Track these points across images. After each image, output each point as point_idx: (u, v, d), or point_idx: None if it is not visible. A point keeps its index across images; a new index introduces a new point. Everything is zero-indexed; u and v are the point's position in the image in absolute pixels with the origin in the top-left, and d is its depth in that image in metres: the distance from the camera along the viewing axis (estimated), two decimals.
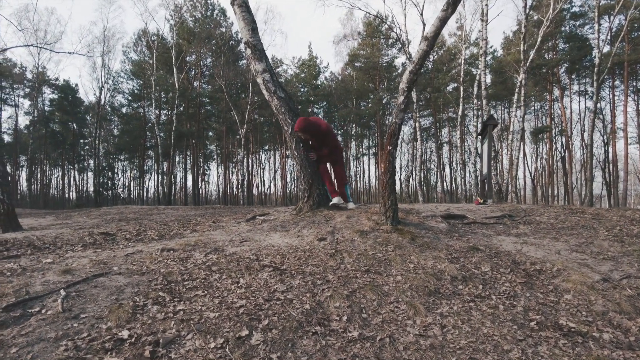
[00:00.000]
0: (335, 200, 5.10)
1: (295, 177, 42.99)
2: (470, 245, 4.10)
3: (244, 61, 33.30)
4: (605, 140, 33.38)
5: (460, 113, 22.56)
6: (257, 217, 5.22)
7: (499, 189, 10.08)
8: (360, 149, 40.93)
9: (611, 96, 28.96)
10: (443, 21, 3.85)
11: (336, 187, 5.17)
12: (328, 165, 5.29)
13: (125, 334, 2.09)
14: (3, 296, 2.44)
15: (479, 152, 13.11)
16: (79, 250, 3.81)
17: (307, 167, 5.19)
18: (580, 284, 3.27)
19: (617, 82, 30.93)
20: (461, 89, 22.18)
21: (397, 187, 44.78)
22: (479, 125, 20.14)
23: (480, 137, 10.39)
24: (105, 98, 32.27)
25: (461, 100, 22.09)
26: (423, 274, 3.23)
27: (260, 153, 43.20)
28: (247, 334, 2.17)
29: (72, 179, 43.39)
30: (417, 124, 18.91)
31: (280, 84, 5.14)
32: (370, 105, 33.32)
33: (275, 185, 47.48)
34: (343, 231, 4.14)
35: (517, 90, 19.06)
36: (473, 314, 2.76)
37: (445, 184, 38.30)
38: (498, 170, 10.23)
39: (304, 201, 5.21)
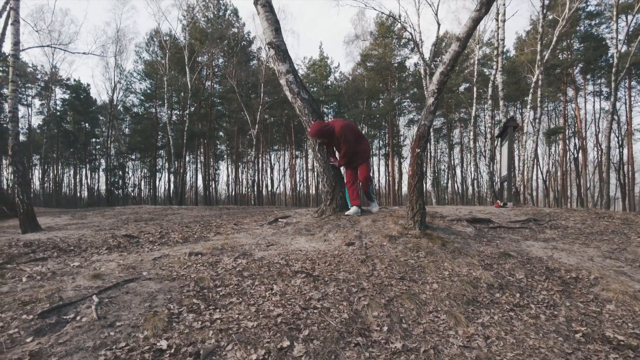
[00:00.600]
0: (352, 211, 4.97)
1: (304, 178, 43.02)
2: (501, 251, 3.98)
3: (255, 62, 33.39)
4: (620, 142, 32.85)
5: (473, 114, 22.30)
6: (279, 219, 5.15)
7: (515, 191, 9.88)
8: (371, 150, 40.70)
9: (627, 97, 28.39)
10: (476, 21, 3.75)
11: (360, 186, 5.09)
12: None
13: (164, 344, 2.03)
14: (37, 301, 2.39)
15: (498, 153, 12.94)
16: (104, 253, 3.77)
17: (330, 170, 5.11)
18: (622, 293, 3.15)
19: (633, 83, 30.41)
20: (474, 89, 21.94)
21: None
22: (494, 126, 19.90)
23: (499, 138, 10.22)
24: (117, 98, 32.57)
25: (474, 100, 21.85)
26: (459, 281, 3.13)
27: (270, 153, 43.24)
28: (288, 344, 2.09)
29: (83, 178, 43.85)
30: (430, 125, 18.70)
31: (303, 85, 5.07)
32: (381, 105, 33.14)
33: (285, 185, 47.58)
34: (370, 236, 4.06)
35: (531, 91, 18.81)
36: (515, 324, 2.66)
37: (456, 185, 37.98)
38: (512, 172, 10.06)
39: (327, 204, 5.13)
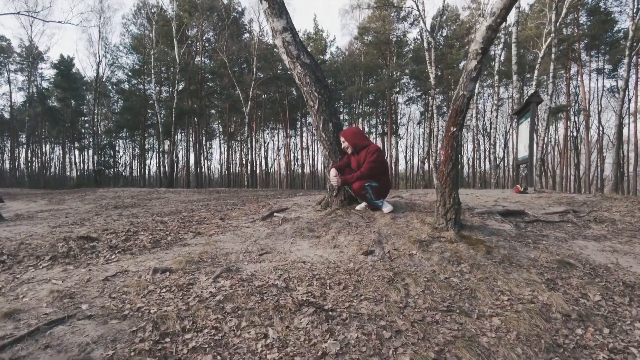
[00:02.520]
0: (362, 206, 4.09)
1: (298, 157, 41.92)
2: (558, 259, 3.13)
3: (247, 35, 31.78)
4: (621, 121, 32.05)
5: (476, 90, 21.24)
6: (275, 214, 4.24)
7: (527, 173, 9.01)
8: (366, 128, 39.67)
9: (635, 74, 27.39)
10: None
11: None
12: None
13: None
14: None
15: (514, 133, 11.98)
16: (44, 266, 2.85)
17: (337, 153, 4.18)
18: None
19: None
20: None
21: (414, 170, 43.58)
22: (498, 103, 18.90)
23: (516, 116, 9.29)
24: (103, 73, 30.99)
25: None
26: (525, 311, 2.27)
27: (264, 131, 42.00)
28: None
29: (73, 157, 42.46)
30: (433, 101, 17.69)
31: (304, 47, 4.07)
32: (380, 81, 31.87)
33: (279, 164, 46.52)
34: (393, 239, 3.17)
35: (537, 66, 17.77)
36: None
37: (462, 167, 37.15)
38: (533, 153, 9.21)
39: (333, 195, 4.22)
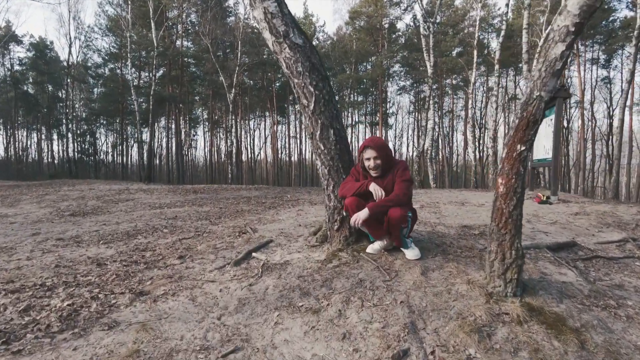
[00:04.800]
0: (376, 246, 2.94)
1: (286, 146, 40.53)
2: None
3: (233, 18, 30.03)
4: (612, 112, 31.61)
5: (473, 80, 20.18)
6: (254, 254, 3.10)
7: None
8: (355, 117, 38.53)
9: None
10: None
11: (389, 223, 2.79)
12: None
13: None
14: None
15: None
16: None
17: (341, 172, 3.03)
18: None
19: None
20: (475, 52, 19.71)
21: (402, 158, 42.95)
22: (497, 94, 17.87)
23: None
24: (77, 56, 29.00)
25: (474, 65, 19.66)
26: None
27: (249, 119, 40.42)
28: None
29: (52, 145, 40.29)
30: (430, 91, 16.58)
31: (295, 22, 2.88)
32: (371, 69, 30.57)
33: (266, 152, 45.09)
34: (434, 320, 2.06)
35: (537, 55, 16.77)
36: None
37: (452, 157, 36.35)
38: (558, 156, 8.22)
39: (334, 228, 3.08)
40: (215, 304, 2.37)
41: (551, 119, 6.93)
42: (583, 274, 3.03)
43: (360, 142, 36.23)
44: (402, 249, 2.86)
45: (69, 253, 3.65)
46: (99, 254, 3.56)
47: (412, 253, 2.80)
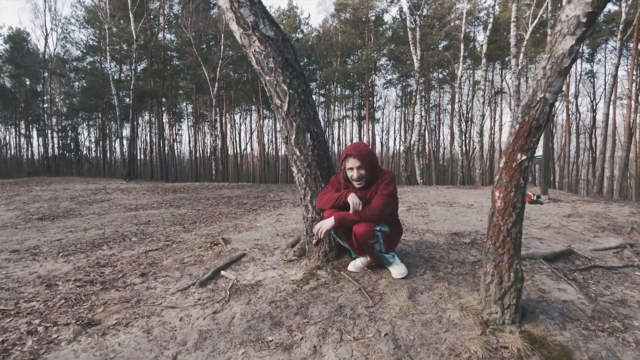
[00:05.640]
0: (358, 264, 2.65)
1: (272, 140, 40.03)
2: None
3: (216, 10, 29.27)
4: (595, 106, 31.89)
5: (459, 73, 20.02)
6: (222, 272, 2.78)
7: (542, 177, 7.80)
8: (342, 111, 38.22)
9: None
10: None
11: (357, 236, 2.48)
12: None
13: None
14: None
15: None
16: None
17: (319, 179, 2.73)
18: None
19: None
20: (462, 46, 19.51)
21: (389, 152, 42.50)
22: (484, 87, 17.72)
23: (519, 108, 8.03)
24: (54, 49, 27.99)
25: (461, 58, 19.46)
26: None
27: (235, 113, 39.75)
28: None
29: (32, 141, 38.95)
30: (417, 85, 16.33)
31: (266, 11, 2.54)
32: (358, 62, 30.20)
33: (252, 147, 44.48)
34: (422, 359, 1.78)
35: (523, 49, 16.63)
36: None
37: (439, 151, 36.31)
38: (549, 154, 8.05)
39: (313, 243, 2.78)
40: (173, 337, 2.05)
41: None
42: (583, 289, 2.79)
43: (347, 138, 35.49)
44: (390, 267, 2.58)
45: (20, 270, 3.28)
46: (53, 272, 3.20)
47: (397, 270, 2.51)
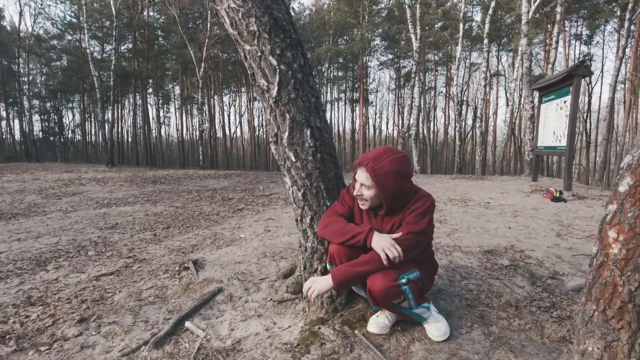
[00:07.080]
0: (381, 322, 1.81)
1: (263, 124, 38.90)
2: None
3: None
4: (591, 90, 31.23)
5: (458, 55, 19.10)
6: (187, 325, 2.00)
7: (566, 171, 6.98)
8: (335, 93, 37.17)
9: (617, 42, 26.05)
10: None
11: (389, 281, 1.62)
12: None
13: None
14: None
15: (534, 113, 10.10)
16: None
17: (324, 196, 1.93)
18: None
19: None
20: (461, 26, 18.54)
21: (382, 135, 41.64)
22: (486, 69, 16.86)
23: (538, 92, 7.25)
24: (31, 26, 26.34)
25: (460, 39, 18.51)
26: None
27: (224, 94, 38.43)
28: None
29: (12, 124, 37.28)
30: (417, 67, 15.43)
31: None
32: (351, 42, 29.03)
33: (242, 130, 43.26)
34: None
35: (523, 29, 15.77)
36: None
37: (434, 135, 35.61)
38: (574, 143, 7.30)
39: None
40: None
41: (565, 102, 5.96)
42: None
43: (340, 122, 34.58)
44: (425, 324, 1.82)
45: None
46: None
47: (437, 330, 1.75)
